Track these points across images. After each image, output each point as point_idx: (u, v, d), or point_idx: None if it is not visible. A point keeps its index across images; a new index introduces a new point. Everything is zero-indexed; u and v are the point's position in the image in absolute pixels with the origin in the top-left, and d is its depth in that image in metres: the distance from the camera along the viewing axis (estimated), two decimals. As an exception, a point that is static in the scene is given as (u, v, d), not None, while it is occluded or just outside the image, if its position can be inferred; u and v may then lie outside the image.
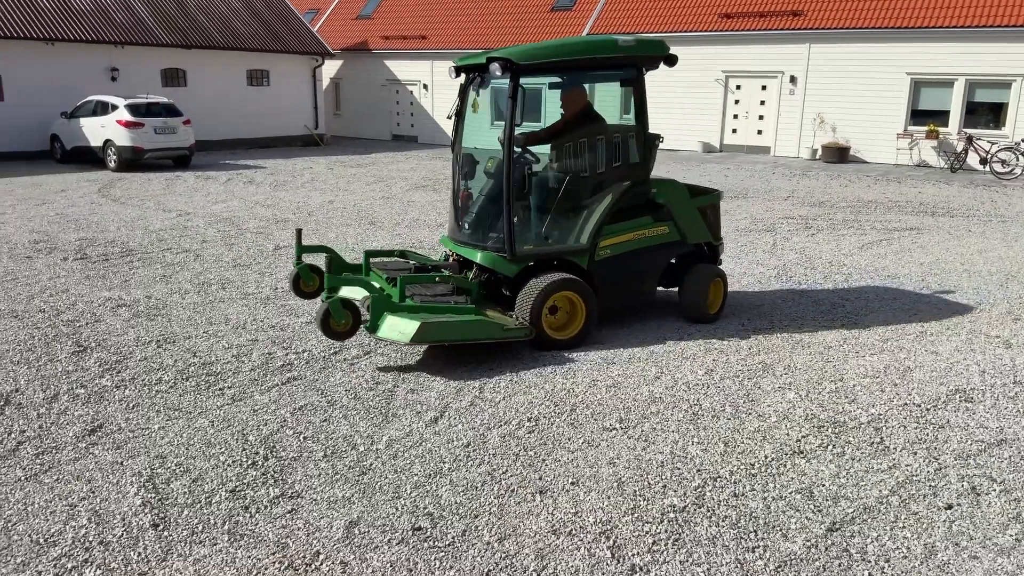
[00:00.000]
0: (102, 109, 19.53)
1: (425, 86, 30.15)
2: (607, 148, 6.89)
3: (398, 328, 5.79)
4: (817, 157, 22.33)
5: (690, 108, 24.30)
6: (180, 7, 25.32)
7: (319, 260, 9.02)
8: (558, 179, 6.68)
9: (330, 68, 31.57)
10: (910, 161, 21.36)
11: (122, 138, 18.81)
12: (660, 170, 19.62)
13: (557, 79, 7.07)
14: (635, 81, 6.81)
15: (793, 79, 22.63)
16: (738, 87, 23.63)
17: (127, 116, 18.83)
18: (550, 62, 6.48)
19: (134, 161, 19.05)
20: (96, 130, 19.49)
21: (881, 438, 4.90)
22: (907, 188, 16.87)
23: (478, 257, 6.66)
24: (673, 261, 7.33)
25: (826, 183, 17.51)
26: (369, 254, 7.35)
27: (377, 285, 6.59)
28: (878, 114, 21.54)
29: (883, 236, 11.47)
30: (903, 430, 5.01)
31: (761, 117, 23.50)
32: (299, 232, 7.44)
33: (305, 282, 7.28)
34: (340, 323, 6.06)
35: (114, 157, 19.05)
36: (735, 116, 23.90)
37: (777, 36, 22.64)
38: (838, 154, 21.80)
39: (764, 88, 23.22)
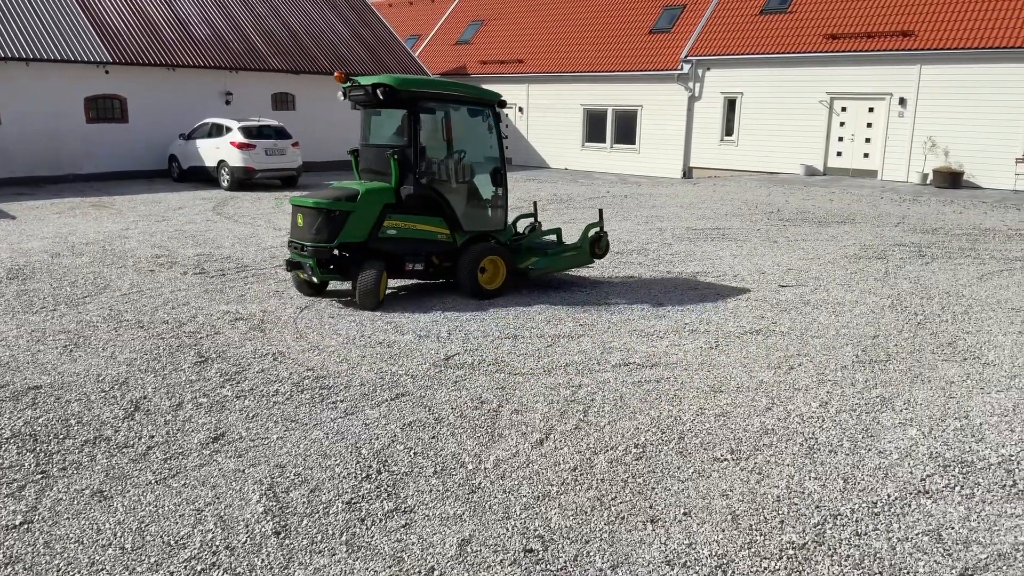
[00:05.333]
0: (217, 131, 20.57)
1: (520, 109, 30.51)
2: None
3: None
4: (928, 182, 21.39)
5: (793, 130, 23.72)
6: (291, 34, 26.48)
7: None
8: None
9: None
10: (1030, 187, 20.20)
11: (235, 159, 19.75)
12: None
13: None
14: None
15: (902, 101, 21.79)
16: (843, 109, 22.92)
17: (240, 138, 19.77)
18: None
19: (246, 181, 19.95)
20: (211, 151, 20.54)
21: (1014, 480, 4.62)
22: (1029, 216, 15.96)
23: None
24: None
25: (939, 209, 16.75)
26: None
27: None
28: (995, 138, 20.47)
29: (1003, 266, 10.87)
30: (1038, 474, 4.71)
31: (868, 140, 22.69)
32: None
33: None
34: None
35: (227, 177, 20.02)
36: (840, 139, 23.17)
37: (886, 57, 21.89)
38: (951, 179, 20.82)
39: (871, 110, 22.45)
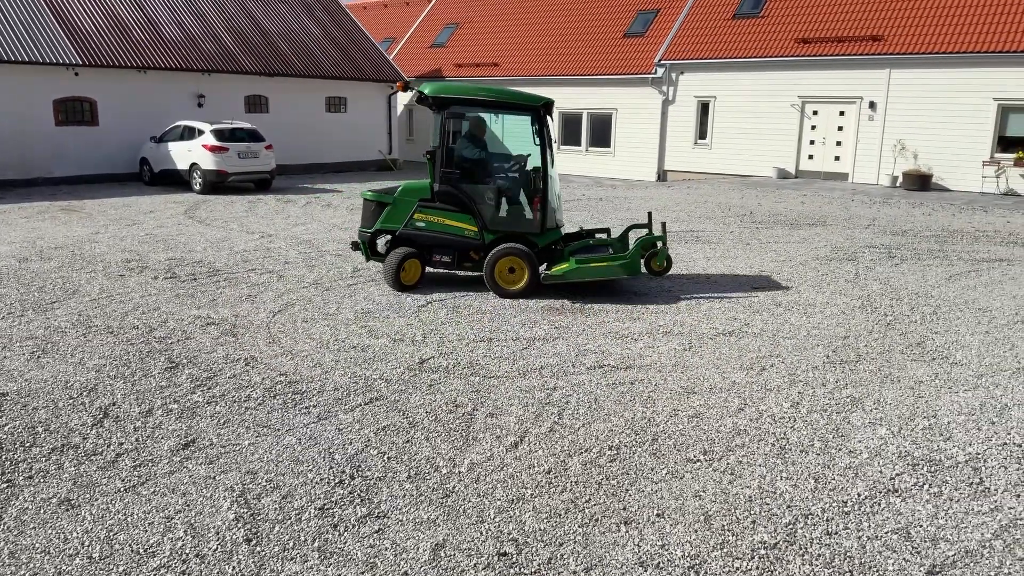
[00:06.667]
0: (189, 134, 20.34)
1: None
2: None
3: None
4: (898, 184, 21.72)
5: (765, 133, 23.97)
6: (264, 37, 26.29)
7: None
8: None
9: (404, 95, 32.23)
10: (996, 189, 20.56)
11: (207, 162, 19.56)
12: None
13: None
14: None
15: (872, 105, 22.10)
16: (815, 112, 23.20)
17: (212, 141, 19.57)
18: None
19: (218, 184, 19.76)
20: (183, 154, 20.32)
21: (980, 479, 4.70)
22: (994, 217, 16.25)
23: None
24: None
25: (908, 211, 17.01)
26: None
27: None
28: (963, 141, 20.84)
29: (971, 267, 11.06)
30: (1004, 471, 4.79)
31: (839, 143, 22.99)
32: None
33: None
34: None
35: (199, 180, 19.81)
36: (811, 142, 23.45)
37: (856, 61, 22.20)
38: (920, 181, 21.15)
39: (842, 114, 22.74)
